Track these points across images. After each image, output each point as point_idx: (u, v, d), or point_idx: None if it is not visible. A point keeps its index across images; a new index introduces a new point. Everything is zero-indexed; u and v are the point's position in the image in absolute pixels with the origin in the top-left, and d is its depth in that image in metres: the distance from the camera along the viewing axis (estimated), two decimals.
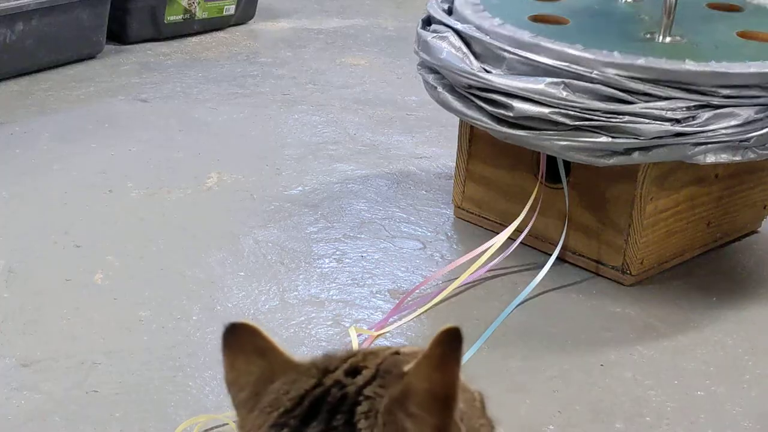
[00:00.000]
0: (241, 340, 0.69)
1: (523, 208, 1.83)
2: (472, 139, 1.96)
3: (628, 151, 1.61)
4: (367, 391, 0.66)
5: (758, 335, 1.67)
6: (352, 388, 0.66)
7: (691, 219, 1.84)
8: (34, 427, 1.33)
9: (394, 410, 0.64)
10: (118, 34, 3.00)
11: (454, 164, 2.01)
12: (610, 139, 1.59)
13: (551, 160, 1.80)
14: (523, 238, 1.83)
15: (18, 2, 2.53)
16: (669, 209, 1.78)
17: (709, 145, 1.60)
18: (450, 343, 0.64)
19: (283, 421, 0.66)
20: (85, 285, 1.68)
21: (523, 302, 1.70)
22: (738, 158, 1.63)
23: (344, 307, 1.66)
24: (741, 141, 1.61)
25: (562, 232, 1.82)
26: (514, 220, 1.83)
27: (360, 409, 0.65)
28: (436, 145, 2.39)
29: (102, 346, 1.51)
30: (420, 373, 0.64)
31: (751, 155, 1.64)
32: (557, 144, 1.61)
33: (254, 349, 0.69)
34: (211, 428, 1.35)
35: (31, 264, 1.74)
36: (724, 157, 1.62)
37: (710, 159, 1.62)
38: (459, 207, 2.00)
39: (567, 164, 1.81)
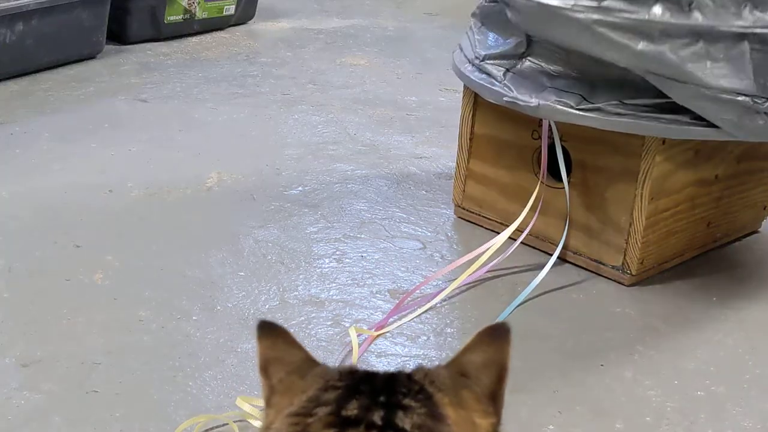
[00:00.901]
0: (277, 332, 0.75)
1: (524, 207, 1.83)
2: (472, 138, 1.96)
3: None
4: (417, 370, 0.73)
5: (758, 335, 1.66)
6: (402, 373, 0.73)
7: (692, 219, 1.84)
8: (34, 427, 1.32)
9: (452, 372, 0.72)
10: (118, 34, 3.00)
11: (454, 164, 2.01)
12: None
13: (552, 160, 1.80)
14: (524, 238, 1.83)
15: (18, 2, 2.53)
16: (669, 209, 1.78)
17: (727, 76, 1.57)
18: (499, 329, 0.75)
19: (348, 377, 0.71)
20: (85, 285, 1.68)
21: (523, 302, 1.70)
22: (747, 122, 1.60)
23: (344, 307, 1.66)
24: (755, 100, 1.60)
25: (562, 232, 1.82)
26: (514, 220, 1.83)
27: (416, 376, 0.72)
28: (436, 145, 2.39)
29: (102, 346, 1.51)
30: (473, 350, 0.73)
31: (760, 122, 1.61)
32: (590, 18, 1.56)
33: (291, 341, 0.75)
34: (211, 428, 1.35)
35: (31, 264, 1.74)
36: (730, 118, 1.59)
37: (714, 106, 1.58)
38: (459, 206, 2.00)
39: (568, 164, 1.81)
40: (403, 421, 0.66)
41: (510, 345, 0.75)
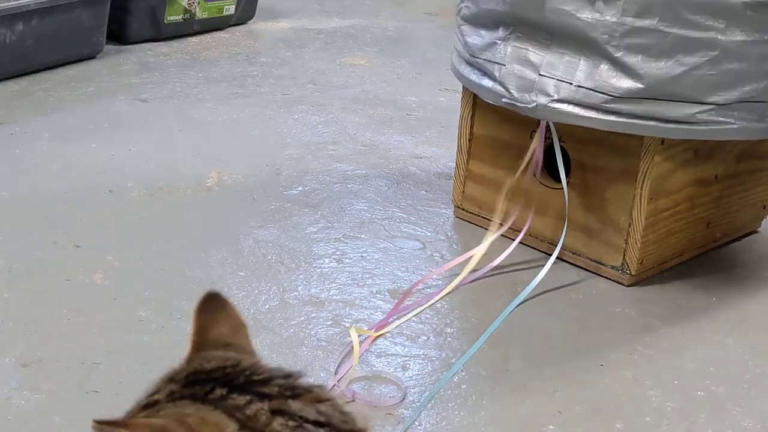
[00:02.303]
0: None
1: (523, 208, 1.83)
2: (471, 139, 1.96)
3: None
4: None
5: (758, 335, 1.67)
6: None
7: (691, 219, 1.84)
8: (34, 427, 1.32)
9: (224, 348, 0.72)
10: (118, 34, 3.00)
11: (454, 164, 2.01)
12: None
13: (551, 160, 1.81)
14: (524, 239, 1.83)
15: (18, 2, 2.53)
16: (669, 209, 1.78)
17: None
18: (212, 298, 0.74)
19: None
20: (85, 285, 1.68)
21: (523, 302, 1.70)
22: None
23: (344, 307, 1.66)
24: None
25: (562, 232, 1.82)
26: (513, 220, 1.83)
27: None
28: (436, 145, 2.39)
29: (102, 346, 1.51)
30: (214, 326, 0.73)
31: None
32: None
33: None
34: None
35: (31, 264, 1.74)
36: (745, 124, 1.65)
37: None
38: (459, 207, 2.00)
39: (567, 164, 1.81)
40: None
41: (231, 306, 0.73)
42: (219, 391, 0.66)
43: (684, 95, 1.61)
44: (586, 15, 1.62)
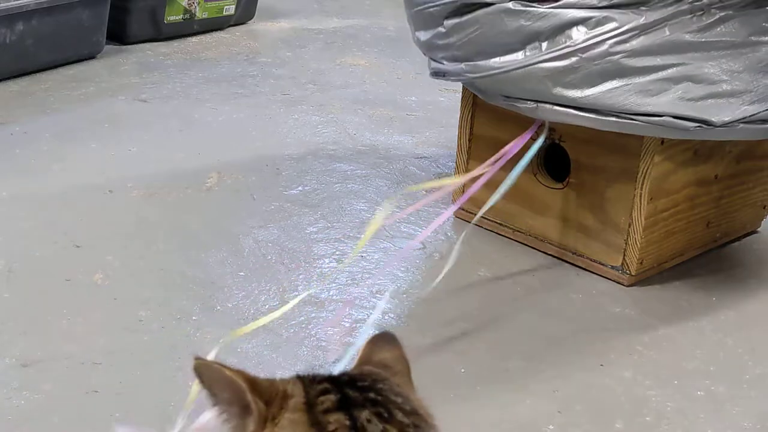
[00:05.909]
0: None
1: (523, 208, 1.83)
2: (471, 139, 1.96)
3: None
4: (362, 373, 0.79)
5: (758, 335, 1.67)
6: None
7: (691, 219, 1.84)
8: (34, 427, 1.32)
9: (381, 369, 0.79)
10: (118, 34, 3.00)
11: (454, 164, 2.01)
12: None
13: (550, 160, 1.81)
14: (523, 239, 1.83)
15: (18, 2, 2.53)
16: (669, 209, 1.78)
17: None
18: (386, 335, 0.84)
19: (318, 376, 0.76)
20: (85, 285, 1.68)
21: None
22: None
23: (344, 308, 1.66)
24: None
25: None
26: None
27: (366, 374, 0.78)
28: (436, 145, 2.39)
29: (102, 346, 1.51)
30: (376, 354, 0.82)
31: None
32: None
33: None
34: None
35: (31, 264, 1.74)
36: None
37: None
38: (459, 207, 2.00)
39: (567, 164, 1.81)
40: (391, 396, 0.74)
41: (401, 345, 0.82)
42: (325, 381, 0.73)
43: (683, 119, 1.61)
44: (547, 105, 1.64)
